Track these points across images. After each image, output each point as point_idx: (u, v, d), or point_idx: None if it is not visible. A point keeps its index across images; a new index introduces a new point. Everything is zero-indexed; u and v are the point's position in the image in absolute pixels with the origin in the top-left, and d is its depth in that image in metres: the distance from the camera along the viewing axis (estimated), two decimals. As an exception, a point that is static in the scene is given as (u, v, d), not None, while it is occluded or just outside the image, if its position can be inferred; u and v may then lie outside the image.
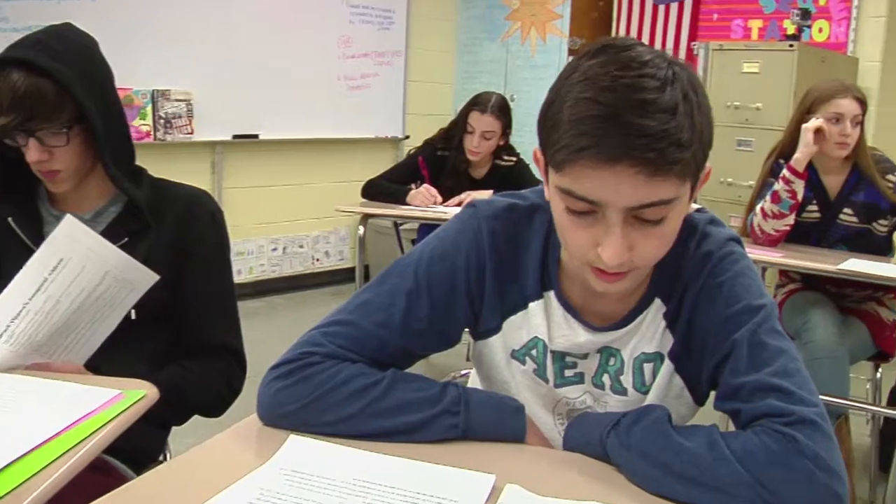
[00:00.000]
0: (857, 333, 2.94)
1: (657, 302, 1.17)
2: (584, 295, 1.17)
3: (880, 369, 3.14)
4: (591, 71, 0.95)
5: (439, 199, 3.51)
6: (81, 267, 1.37)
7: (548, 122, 0.99)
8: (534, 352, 1.21)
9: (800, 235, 3.03)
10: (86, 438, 1.08)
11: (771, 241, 2.98)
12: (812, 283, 3.10)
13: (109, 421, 1.13)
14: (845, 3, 4.64)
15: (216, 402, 1.65)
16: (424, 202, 3.47)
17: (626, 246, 0.98)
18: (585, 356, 1.20)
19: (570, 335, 1.18)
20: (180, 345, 1.64)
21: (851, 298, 3.07)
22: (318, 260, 5.89)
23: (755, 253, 2.87)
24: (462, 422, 1.09)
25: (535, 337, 1.20)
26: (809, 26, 4.63)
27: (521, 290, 1.20)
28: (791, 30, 4.47)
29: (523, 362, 1.22)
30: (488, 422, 1.11)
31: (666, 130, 0.91)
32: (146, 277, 1.45)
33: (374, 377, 1.11)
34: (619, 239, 0.97)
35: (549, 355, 1.20)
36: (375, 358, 1.15)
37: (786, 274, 3.22)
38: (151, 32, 4.70)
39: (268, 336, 4.71)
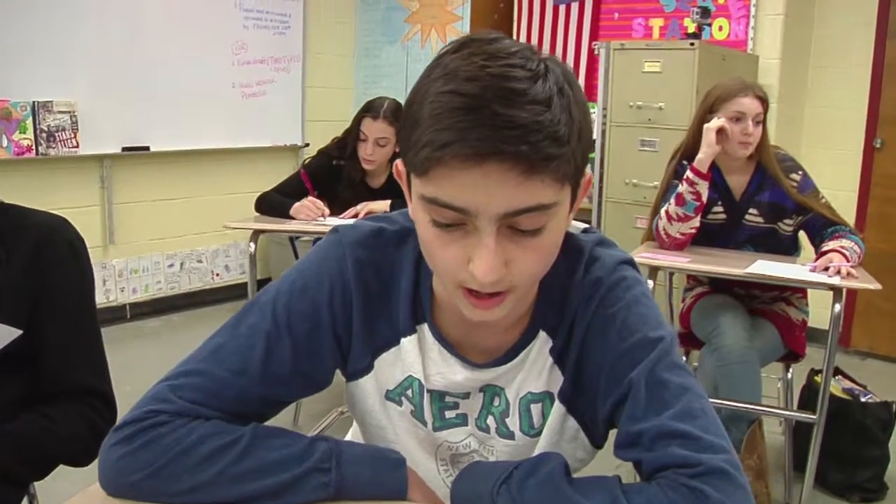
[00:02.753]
0: (766, 335, 2.93)
1: (542, 335, 1.04)
2: (462, 327, 1.04)
3: (791, 369, 3.12)
4: (453, 64, 0.83)
5: (326, 211, 3.34)
6: None
7: (407, 124, 0.86)
8: (409, 392, 1.08)
9: (706, 237, 2.99)
10: None
11: (677, 245, 2.92)
12: (720, 285, 3.07)
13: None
14: (744, 1, 4.67)
15: (82, 452, 1.46)
16: (310, 215, 3.29)
17: (500, 260, 0.85)
18: (467, 395, 1.08)
19: (447, 372, 1.06)
20: (39, 390, 1.45)
21: (760, 299, 3.06)
22: (217, 275, 5.68)
23: (662, 258, 2.82)
24: (334, 480, 0.96)
25: (410, 375, 1.07)
26: (710, 24, 4.63)
27: (392, 324, 1.07)
28: (692, 28, 4.45)
29: (400, 403, 1.10)
30: (364, 478, 0.97)
31: (539, 122, 0.79)
32: (4, 333, 1.30)
33: (231, 435, 0.97)
34: (493, 252, 0.84)
35: (425, 395, 1.07)
36: (234, 411, 1.02)
37: (693, 277, 3.19)
38: (30, 39, 4.42)
39: (165, 357, 4.50)
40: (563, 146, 0.81)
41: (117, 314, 5.11)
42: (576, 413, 1.04)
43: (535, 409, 1.05)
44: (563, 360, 1.03)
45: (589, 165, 0.92)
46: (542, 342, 1.04)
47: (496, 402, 1.07)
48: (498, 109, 0.78)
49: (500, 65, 0.81)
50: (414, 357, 1.06)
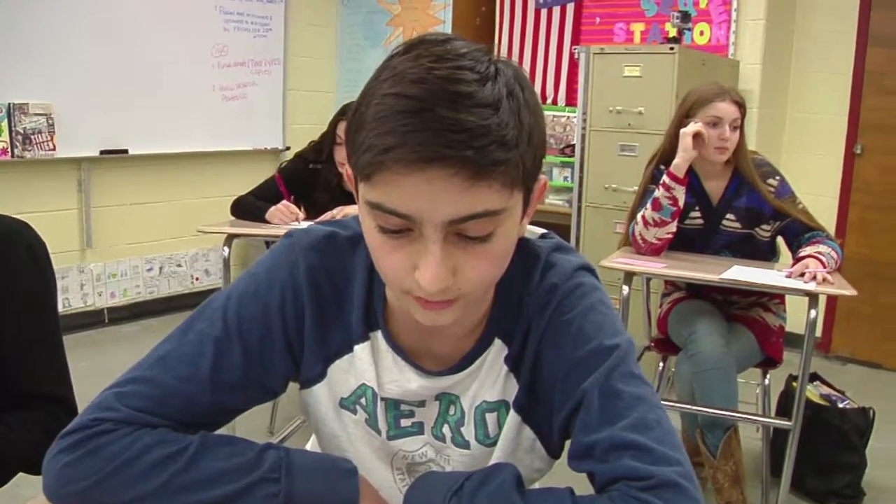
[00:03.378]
0: (743, 341, 2.92)
1: (498, 343, 1.02)
2: (416, 334, 1.02)
3: (768, 375, 3.11)
4: (401, 66, 0.81)
5: (301, 215, 3.32)
6: None
7: (353, 126, 0.83)
8: (363, 400, 1.06)
9: (684, 242, 2.97)
10: None
11: (653, 250, 2.91)
12: (698, 290, 3.05)
13: None
14: (725, 6, 4.66)
15: (39, 460, 1.43)
16: (284, 219, 3.27)
17: (447, 269, 0.82)
18: (423, 404, 1.05)
19: (401, 380, 1.03)
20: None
21: (738, 305, 3.05)
22: (197, 279, 5.63)
23: (637, 264, 2.80)
24: (283, 490, 0.93)
25: (363, 384, 1.05)
26: (690, 29, 4.63)
27: (345, 331, 1.04)
28: (672, 33, 4.44)
29: (354, 411, 1.07)
30: (315, 488, 0.94)
31: (486, 126, 0.77)
32: None
33: (177, 445, 0.94)
34: (438, 260, 0.81)
35: (379, 404, 1.05)
36: (182, 419, 0.99)
37: (671, 282, 3.17)
38: (6, 40, 4.38)
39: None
40: (511, 150, 0.79)
41: (95, 318, 5.07)
42: (532, 422, 1.02)
43: (491, 417, 1.03)
44: (518, 369, 1.01)
45: (548, 170, 0.89)
46: (498, 350, 1.02)
47: (451, 411, 1.05)
48: (443, 113, 0.76)
49: (447, 67, 0.79)
50: (367, 365, 1.04)
